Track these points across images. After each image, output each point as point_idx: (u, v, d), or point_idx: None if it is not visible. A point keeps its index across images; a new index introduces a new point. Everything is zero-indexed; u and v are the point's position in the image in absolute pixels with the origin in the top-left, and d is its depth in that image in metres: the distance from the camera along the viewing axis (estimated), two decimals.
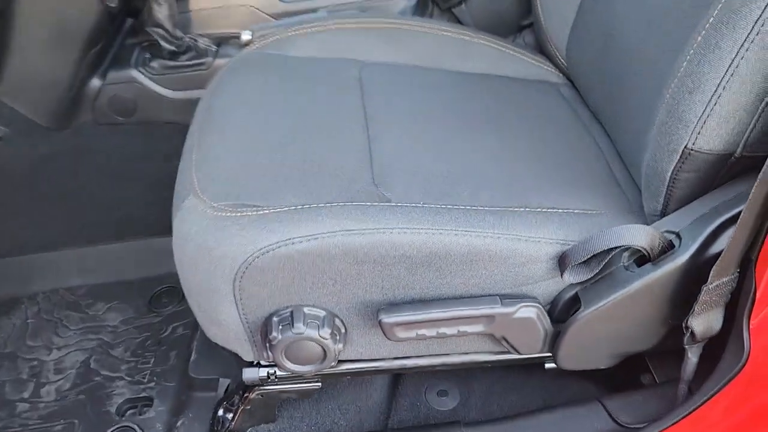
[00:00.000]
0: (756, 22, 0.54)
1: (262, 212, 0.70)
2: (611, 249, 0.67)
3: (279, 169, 0.77)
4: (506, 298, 0.72)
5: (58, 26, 1.06)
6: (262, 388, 0.83)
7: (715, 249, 0.66)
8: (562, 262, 0.70)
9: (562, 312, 0.74)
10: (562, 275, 0.70)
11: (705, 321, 0.68)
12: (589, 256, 0.67)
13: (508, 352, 0.77)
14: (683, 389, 0.74)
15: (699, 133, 0.61)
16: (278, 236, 0.68)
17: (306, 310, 0.71)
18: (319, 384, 0.83)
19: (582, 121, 0.97)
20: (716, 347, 0.71)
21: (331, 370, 0.78)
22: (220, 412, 0.91)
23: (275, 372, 0.80)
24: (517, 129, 0.92)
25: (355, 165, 0.79)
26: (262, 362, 0.80)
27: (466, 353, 0.79)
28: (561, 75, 1.09)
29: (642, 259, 0.69)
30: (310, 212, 0.69)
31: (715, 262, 0.66)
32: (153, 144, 1.22)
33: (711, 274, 0.64)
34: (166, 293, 1.21)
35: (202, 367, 1.01)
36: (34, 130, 1.14)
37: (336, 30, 1.07)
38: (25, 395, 1.06)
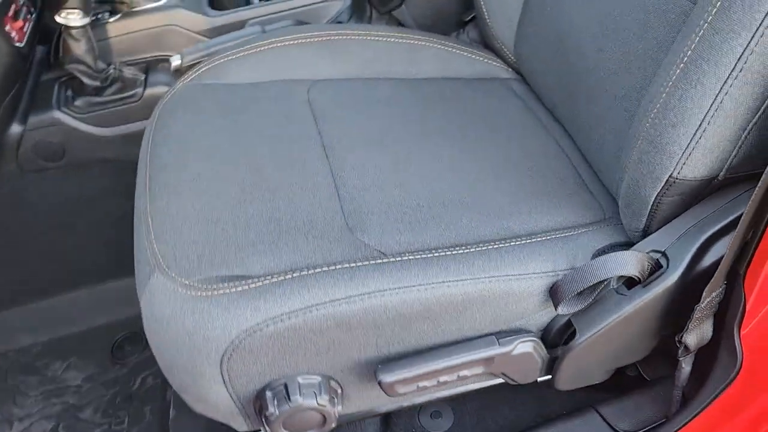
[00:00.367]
0: (739, 59, 0.53)
1: (241, 288, 0.66)
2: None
3: (245, 233, 0.72)
4: (502, 336, 0.71)
5: None
6: None
7: (702, 265, 0.67)
8: (554, 295, 0.69)
9: (555, 338, 0.74)
10: (556, 308, 0.69)
11: (698, 334, 0.69)
12: (581, 289, 0.67)
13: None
14: (677, 395, 0.76)
15: (684, 164, 0.60)
16: (263, 314, 0.64)
17: (300, 379, 0.68)
18: None
19: (541, 122, 0.96)
20: (705, 352, 0.72)
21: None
22: None
23: None
24: (479, 140, 0.90)
25: (326, 212, 0.75)
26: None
27: (462, 386, 0.78)
28: (510, 70, 1.07)
29: (631, 280, 0.69)
30: (293, 284, 0.65)
31: (702, 277, 0.67)
32: (89, 185, 1.13)
33: (704, 294, 0.65)
34: (128, 340, 1.15)
35: (183, 424, 0.96)
36: None
37: (275, 49, 1.00)
38: None
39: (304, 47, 1.01)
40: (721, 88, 0.54)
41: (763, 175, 0.57)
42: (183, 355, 0.67)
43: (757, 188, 0.58)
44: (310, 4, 1.16)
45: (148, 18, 1.12)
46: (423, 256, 0.68)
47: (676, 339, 0.70)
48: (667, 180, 0.62)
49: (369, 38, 1.03)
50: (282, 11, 1.15)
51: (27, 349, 1.16)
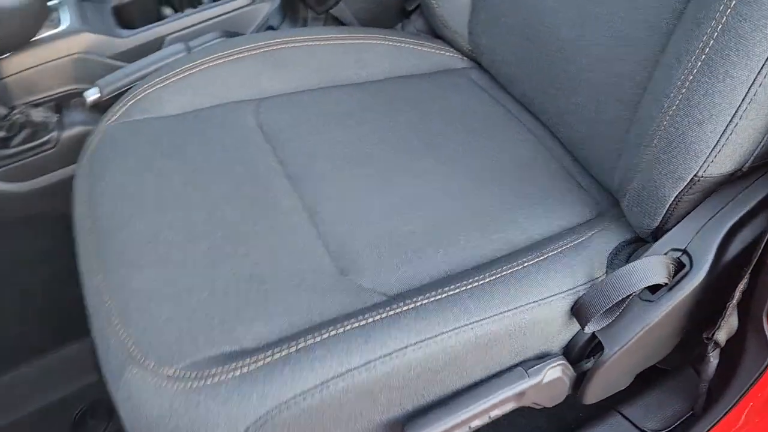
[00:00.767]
0: None
1: (239, 371, 0.56)
2: None
3: (226, 300, 0.62)
4: (528, 365, 0.65)
5: None
6: None
7: (726, 258, 0.63)
8: (579, 315, 0.63)
9: (579, 353, 0.69)
10: (583, 328, 0.64)
11: (727, 328, 0.66)
12: (609, 306, 0.62)
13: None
14: (704, 387, 0.73)
15: (711, 162, 0.55)
16: (273, 400, 0.55)
17: None
18: None
19: (512, 113, 0.90)
20: (731, 342, 0.70)
21: None
22: None
23: None
24: (455, 144, 0.83)
25: (310, 257, 0.67)
26: None
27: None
28: (465, 59, 1.00)
29: (656, 284, 0.65)
30: (301, 357, 0.56)
31: (727, 271, 0.63)
32: (18, 247, 0.98)
33: (736, 290, 0.61)
34: (90, 413, 1.02)
35: None
36: None
37: (209, 69, 0.88)
38: None
39: (241, 63, 0.90)
40: (755, 80, 0.49)
41: None
42: None
43: None
44: (233, 11, 1.04)
45: (49, 48, 0.97)
46: (436, 297, 0.61)
47: (705, 337, 0.67)
48: (690, 180, 0.58)
49: (310, 43, 0.93)
50: (203, 22, 1.03)
51: None
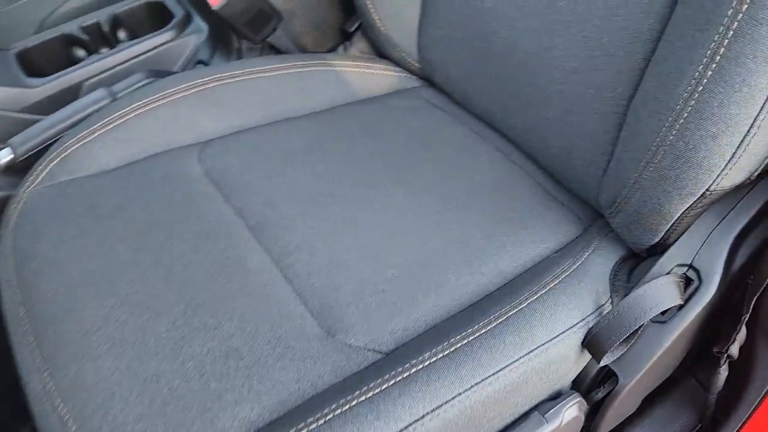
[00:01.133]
0: None
1: None
2: None
3: (203, 383, 0.53)
4: (544, 408, 0.59)
5: None
6: None
7: (734, 269, 0.60)
8: (593, 349, 0.59)
9: (590, 384, 0.64)
10: (598, 362, 0.59)
11: (739, 340, 0.63)
12: (624, 338, 0.57)
13: None
14: (712, 400, 0.70)
15: (725, 176, 0.52)
16: None
17: None
18: None
19: (474, 131, 0.85)
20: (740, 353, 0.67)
21: None
22: None
23: None
24: (422, 170, 0.77)
25: (290, 320, 0.59)
26: None
27: None
28: (414, 77, 0.95)
29: None
30: None
31: (737, 282, 0.61)
32: None
33: (752, 303, 0.58)
34: None
35: None
36: None
37: (140, 115, 0.79)
38: None
39: (176, 105, 0.81)
40: None
41: None
42: None
43: None
44: (156, 48, 0.95)
45: None
46: (444, 351, 0.54)
47: (716, 351, 0.64)
48: (701, 195, 0.54)
49: (250, 77, 0.86)
50: (124, 63, 0.93)
51: None
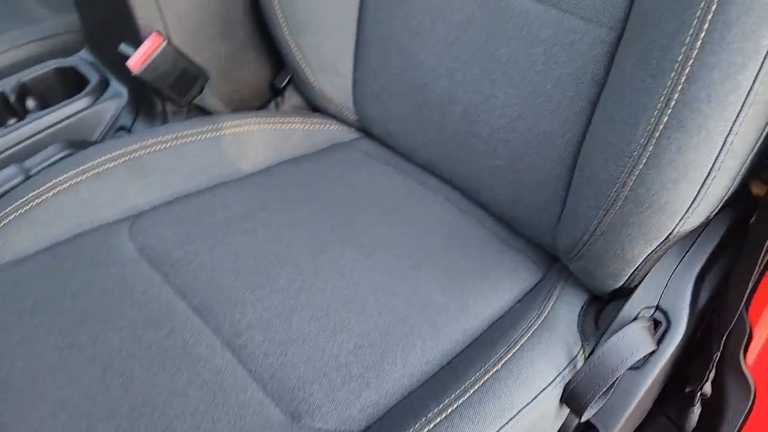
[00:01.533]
0: (748, 94, 0.45)
1: None
2: None
3: None
4: None
5: None
6: None
7: (699, 306, 0.60)
8: (573, 405, 0.57)
9: None
10: (579, 418, 0.57)
11: (710, 377, 0.63)
12: (602, 392, 0.55)
13: None
14: None
15: (688, 219, 0.51)
16: None
17: None
18: None
19: (418, 181, 0.83)
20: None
21: None
22: None
23: None
24: (369, 229, 0.74)
25: (252, 411, 0.54)
26: None
27: None
28: (352, 129, 0.92)
29: None
30: None
31: (703, 318, 0.60)
32: None
33: (723, 339, 0.58)
34: None
35: None
36: None
37: (62, 192, 0.72)
38: None
39: (99, 179, 0.75)
40: (731, 129, 0.46)
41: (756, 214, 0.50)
42: None
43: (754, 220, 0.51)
44: (72, 116, 0.88)
45: None
46: (425, 428, 0.51)
47: (689, 390, 0.63)
48: (665, 239, 0.54)
49: (178, 142, 0.80)
50: (37, 135, 0.86)
51: None
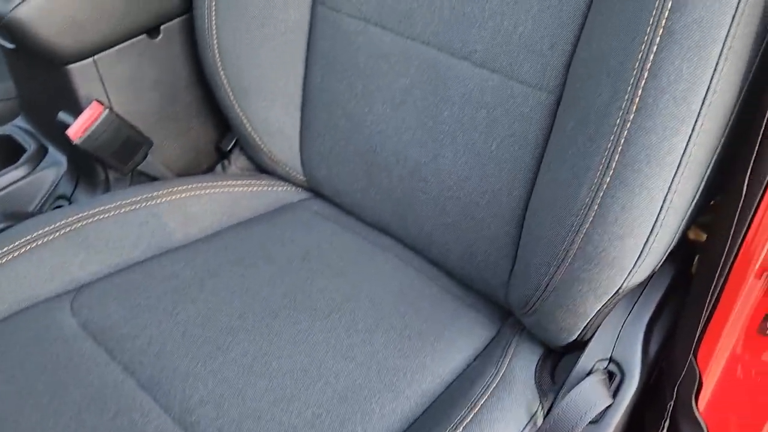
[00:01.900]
0: (683, 155, 0.47)
1: None
2: None
3: None
4: None
5: None
6: None
7: (650, 355, 0.61)
8: None
9: None
10: None
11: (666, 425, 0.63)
12: None
13: None
14: None
15: (635, 273, 0.53)
16: None
17: None
18: None
19: (369, 241, 0.83)
20: None
21: None
22: None
23: None
24: (322, 291, 0.73)
25: None
26: None
27: None
28: (300, 189, 0.92)
29: None
30: None
31: (655, 367, 0.62)
32: None
33: (676, 389, 0.59)
34: None
35: None
36: None
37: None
38: None
39: (39, 252, 0.71)
40: (669, 188, 0.48)
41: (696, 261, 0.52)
42: None
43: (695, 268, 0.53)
44: (6, 187, 0.85)
45: None
46: None
47: None
48: (615, 293, 0.55)
49: (122, 210, 0.78)
50: None
51: None
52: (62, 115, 0.79)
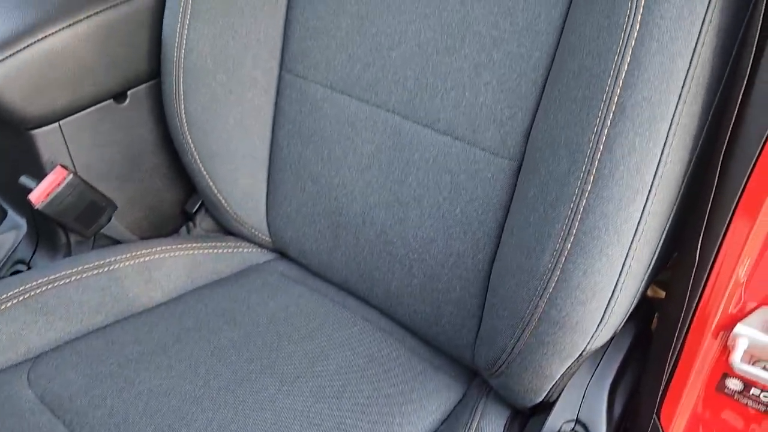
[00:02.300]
0: (639, 222, 0.49)
1: None
2: None
3: None
4: None
5: None
6: None
7: (615, 415, 0.62)
8: None
9: None
10: None
11: None
12: None
13: None
14: None
15: (598, 336, 0.54)
16: None
17: None
18: None
19: (336, 302, 0.82)
20: None
21: None
22: None
23: None
24: (290, 355, 0.72)
25: None
26: None
27: None
28: (265, 250, 0.92)
29: None
30: None
31: (620, 427, 0.63)
32: None
33: None
34: None
35: None
36: None
37: None
38: None
39: None
40: (628, 254, 0.50)
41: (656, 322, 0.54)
42: None
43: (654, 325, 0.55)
44: None
45: None
46: None
47: None
48: (579, 355, 0.56)
49: (83, 275, 0.77)
50: None
51: None
52: (24, 179, 0.78)
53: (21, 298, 0.72)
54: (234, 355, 0.71)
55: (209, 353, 0.71)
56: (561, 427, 0.61)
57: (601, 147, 0.48)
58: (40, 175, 0.78)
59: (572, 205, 0.50)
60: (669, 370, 0.59)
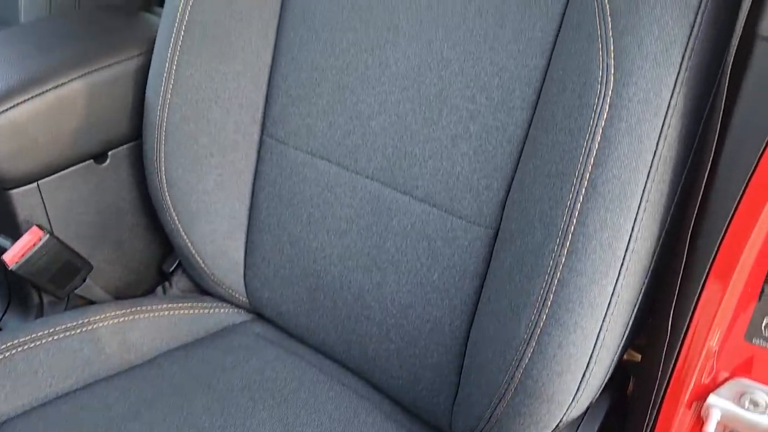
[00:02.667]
0: (612, 295, 0.51)
1: None
2: None
3: None
4: None
5: None
6: None
7: None
8: None
9: None
10: None
11: None
12: None
13: None
14: None
15: (574, 408, 0.55)
16: None
17: None
18: None
19: (313, 365, 0.82)
20: None
21: None
22: None
23: None
24: (263, 422, 0.71)
25: None
26: None
27: None
28: (242, 310, 0.91)
29: None
30: None
31: None
32: None
33: None
34: None
35: None
36: None
37: None
38: None
39: None
40: (601, 327, 0.51)
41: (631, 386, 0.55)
42: None
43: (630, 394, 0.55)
44: None
45: None
46: None
47: None
48: (556, 426, 0.56)
49: (58, 336, 0.75)
50: None
51: None
52: None
53: None
54: (207, 423, 0.70)
55: (182, 420, 0.70)
56: None
57: (575, 221, 0.50)
58: (15, 234, 0.78)
59: (547, 277, 0.51)
60: None
